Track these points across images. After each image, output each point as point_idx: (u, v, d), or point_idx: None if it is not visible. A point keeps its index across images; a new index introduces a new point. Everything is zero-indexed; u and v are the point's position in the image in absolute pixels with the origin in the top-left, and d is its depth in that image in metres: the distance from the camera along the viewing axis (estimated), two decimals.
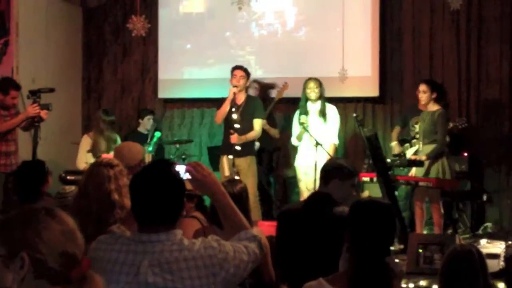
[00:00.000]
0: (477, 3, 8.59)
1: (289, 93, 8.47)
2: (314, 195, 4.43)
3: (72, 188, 4.77)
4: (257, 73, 9.00)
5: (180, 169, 2.59)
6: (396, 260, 6.03)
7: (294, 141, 7.76)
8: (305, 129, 7.41)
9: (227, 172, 7.27)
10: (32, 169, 4.74)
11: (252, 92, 8.46)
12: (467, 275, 3.22)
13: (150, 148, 8.06)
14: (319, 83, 7.68)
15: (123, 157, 4.37)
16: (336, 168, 4.37)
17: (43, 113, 6.79)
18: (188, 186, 2.62)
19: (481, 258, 3.32)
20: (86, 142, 7.89)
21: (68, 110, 9.62)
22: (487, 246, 6.91)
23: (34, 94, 6.84)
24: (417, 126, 7.67)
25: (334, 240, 3.95)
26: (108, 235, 2.57)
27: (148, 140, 8.11)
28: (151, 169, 2.60)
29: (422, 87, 7.23)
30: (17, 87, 7.02)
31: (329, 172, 4.37)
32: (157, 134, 8.37)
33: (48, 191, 5.06)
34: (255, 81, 8.64)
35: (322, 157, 7.03)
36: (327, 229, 4.02)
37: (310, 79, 7.77)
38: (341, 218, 4.07)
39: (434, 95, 7.20)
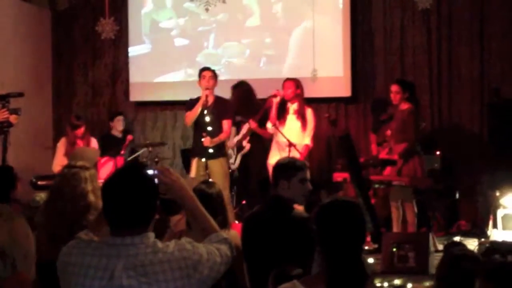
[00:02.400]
0: (447, 2, 8.65)
1: (261, 94, 8.42)
2: (268, 199, 4.41)
3: (43, 197, 4.67)
4: (227, 75, 8.97)
5: (150, 173, 2.58)
6: (369, 260, 6.06)
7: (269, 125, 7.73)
8: (276, 127, 7.42)
9: (192, 174, 7.25)
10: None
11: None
12: (465, 279, 3.20)
13: (123, 152, 8.01)
14: (295, 83, 7.65)
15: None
16: (279, 168, 4.33)
17: (12, 118, 6.70)
18: None
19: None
20: (62, 145, 7.83)
21: (38, 114, 9.52)
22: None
23: (3, 98, 6.74)
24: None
25: (295, 243, 3.95)
26: (77, 241, 2.54)
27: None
28: (123, 172, 2.59)
29: (395, 88, 7.24)
30: None
31: (274, 173, 4.33)
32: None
33: (18, 197, 4.97)
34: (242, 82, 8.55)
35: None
36: (287, 233, 4.01)
37: (287, 79, 7.77)
38: (301, 220, 4.07)
39: (406, 95, 7.23)
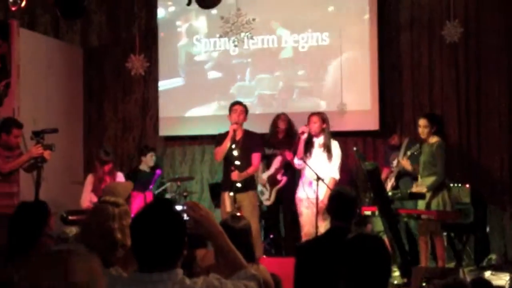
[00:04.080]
0: (475, 35, 8.66)
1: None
2: (335, 229, 4.40)
3: (74, 230, 4.73)
4: (257, 109, 9.04)
5: (179, 208, 2.61)
6: None
7: (296, 160, 7.73)
8: (304, 162, 7.43)
9: (228, 208, 7.25)
10: (31, 211, 4.67)
11: (283, 125, 8.41)
12: None
13: (151, 186, 8.08)
14: (321, 117, 7.67)
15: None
16: (356, 198, 4.43)
17: (46, 154, 6.80)
18: None
19: None
20: (90, 181, 7.92)
21: (69, 149, 9.64)
22: (492, 278, 6.87)
23: (38, 135, 6.86)
24: (394, 162, 7.92)
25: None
26: (107, 276, 2.56)
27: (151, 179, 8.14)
28: (152, 208, 2.59)
29: (423, 122, 7.24)
30: (19, 126, 7.07)
31: (354, 202, 4.39)
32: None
33: (50, 232, 5.02)
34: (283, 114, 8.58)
35: (324, 191, 7.06)
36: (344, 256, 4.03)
37: (312, 113, 7.78)
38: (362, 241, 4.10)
39: (434, 128, 7.23)
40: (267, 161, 8.24)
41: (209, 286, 2.45)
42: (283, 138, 8.34)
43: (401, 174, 7.82)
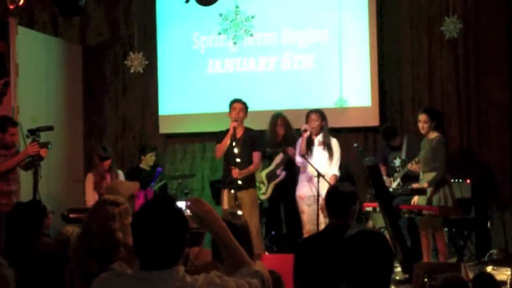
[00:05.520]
0: (474, 31, 8.65)
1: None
2: (332, 226, 4.38)
3: (70, 230, 4.70)
4: (254, 106, 9.00)
5: (181, 205, 2.57)
6: None
7: (297, 158, 7.70)
8: (305, 159, 7.42)
9: (225, 206, 7.29)
10: (26, 211, 4.65)
11: (281, 131, 8.26)
12: None
13: (153, 184, 8.05)
14: (320, 115, 7.64)
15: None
16: (354, 192, 4.38)
17: (43, 152, 6.80)
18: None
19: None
20: (90, 180, 7.87)
21: (70, 148, 9.63)
22: (493, 273, 6.84)
23: (33, 133, 6.85)
24: (396, 162, 7.91)
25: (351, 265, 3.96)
26: (109, 273, 2.55)
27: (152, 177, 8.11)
28: (153, 206, 2.54)
29: (423, 117, 7.22)
30: (14, 124, 7.08)
31: (350, 199, 4.33)
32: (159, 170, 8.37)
33: (50, 230, 5.01)
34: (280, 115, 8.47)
35: (325, 188, 7.03)
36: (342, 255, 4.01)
37: (311, 111, 7.74)
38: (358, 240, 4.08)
39: (434, 124, 7.21)
40: (269, 160, 8.21)
41: (210, 283, 2.42)
42: (282, 140, 8.26)
43: (408, 177, 7.73)
